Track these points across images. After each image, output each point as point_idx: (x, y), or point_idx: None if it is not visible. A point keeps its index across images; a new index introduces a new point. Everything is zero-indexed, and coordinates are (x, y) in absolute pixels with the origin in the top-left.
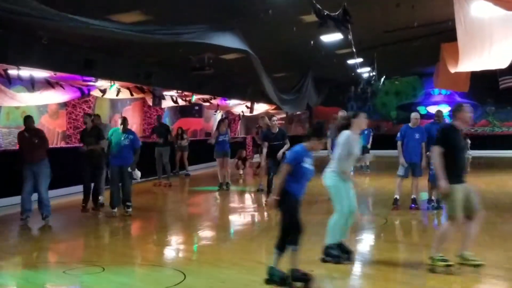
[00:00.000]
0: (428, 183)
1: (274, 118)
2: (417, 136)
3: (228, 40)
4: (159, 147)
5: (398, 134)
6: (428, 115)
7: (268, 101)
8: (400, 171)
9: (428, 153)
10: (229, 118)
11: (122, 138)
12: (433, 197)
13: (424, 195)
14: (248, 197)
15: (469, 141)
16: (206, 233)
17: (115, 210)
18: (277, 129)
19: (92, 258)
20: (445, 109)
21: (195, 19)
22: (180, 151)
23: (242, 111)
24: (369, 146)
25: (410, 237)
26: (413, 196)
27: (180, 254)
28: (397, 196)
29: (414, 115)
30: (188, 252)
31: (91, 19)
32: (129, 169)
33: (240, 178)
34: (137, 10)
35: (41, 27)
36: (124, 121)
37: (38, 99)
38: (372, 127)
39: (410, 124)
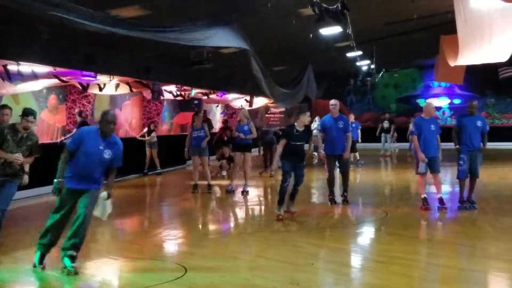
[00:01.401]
0: (459, 181)
1: (308, 112)
2: (432, 127)
3: (226, 38)
4: None
5: (413, 128)
6: None
7: (266, 95)
8: (421, 168)
9: (457, 147)
10: (228, 112)
11: (102, 147)
12: (465, 197)
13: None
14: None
15: None
16: (206, 228)
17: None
18: (303, 127)
19: (92, 253)
20: (444, 101)
21: (193, 13)
22: (149, 148)
23: (241, 105)
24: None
25: (411, 231)
26: (439, 196)
27: (181, 249)
28: (425, 195)
29: (428, 105)
30: (189, 246)
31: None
32: (104, 197)
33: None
34: (135, 4)
35: (41, 18)
36: (107, 116)
37: (37, 84)
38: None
39: (423, 115)
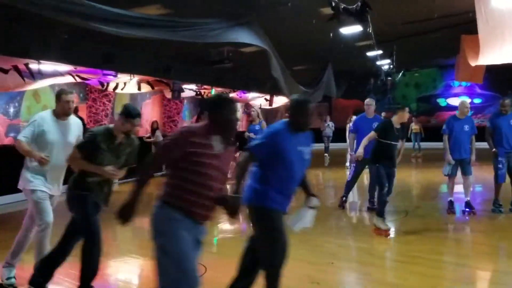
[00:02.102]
0: (495, 184)
1: (407, 108)
2: (466, 128)
3: (245, 37)
4: None
5: (444, 126)
6: (448, 107)
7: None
8: (446, 169)
9: (494, 150)
10: (248, 111)
11: (301, 148)
12: (500, 201)
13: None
14: None
15: None
16: (226, 226)
17: None
18: (399, 124)
19: (113, 251)
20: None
21: (213, 13)
22: (155, 148)
23: (261, 104)
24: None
25: (431, 230)
26: (466, 199)
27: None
28: (451, 199)
29: (463, 103)
30: (209, 245)
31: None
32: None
33: None
34: (156, 3)
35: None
36: (304, 105)
37: (56, 79)
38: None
39: (457, 114)
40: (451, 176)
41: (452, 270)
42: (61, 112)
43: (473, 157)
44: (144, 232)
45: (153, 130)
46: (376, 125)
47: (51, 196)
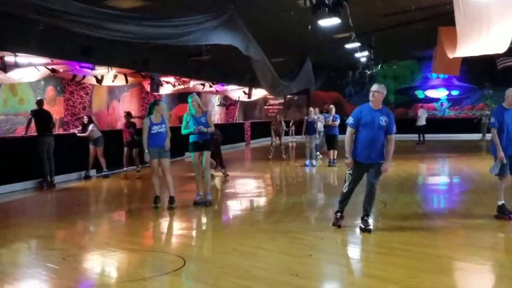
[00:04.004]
0: None
1: None
2: None
3: (222, 36)
4: (48, 137)
5: (493, 119)
6: (426, 99)
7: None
8: (496, 168)
9: None
10: (227, 103)
11: None
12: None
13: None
14: None
15: None
16: (205, 220)
17: None
18: None
19: (90, 245)
20: (443, 93)
21: (192, 4)
22: (93, 146)
23: (239, 97)
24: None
25: (410, 221)
26: (501, 202)
27: (180, 240)
28: (502, 202)
29: (510, 91)
30: (188, 238)
31: (91, 6)
32: None
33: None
34: None
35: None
36: None
37: (34, 74)
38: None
39: (504, 104)
40: (503, 176)
41: (431, 261)
42: None
43: None
44: (120, 226)
45: (84, 125)
46: None
47: None
